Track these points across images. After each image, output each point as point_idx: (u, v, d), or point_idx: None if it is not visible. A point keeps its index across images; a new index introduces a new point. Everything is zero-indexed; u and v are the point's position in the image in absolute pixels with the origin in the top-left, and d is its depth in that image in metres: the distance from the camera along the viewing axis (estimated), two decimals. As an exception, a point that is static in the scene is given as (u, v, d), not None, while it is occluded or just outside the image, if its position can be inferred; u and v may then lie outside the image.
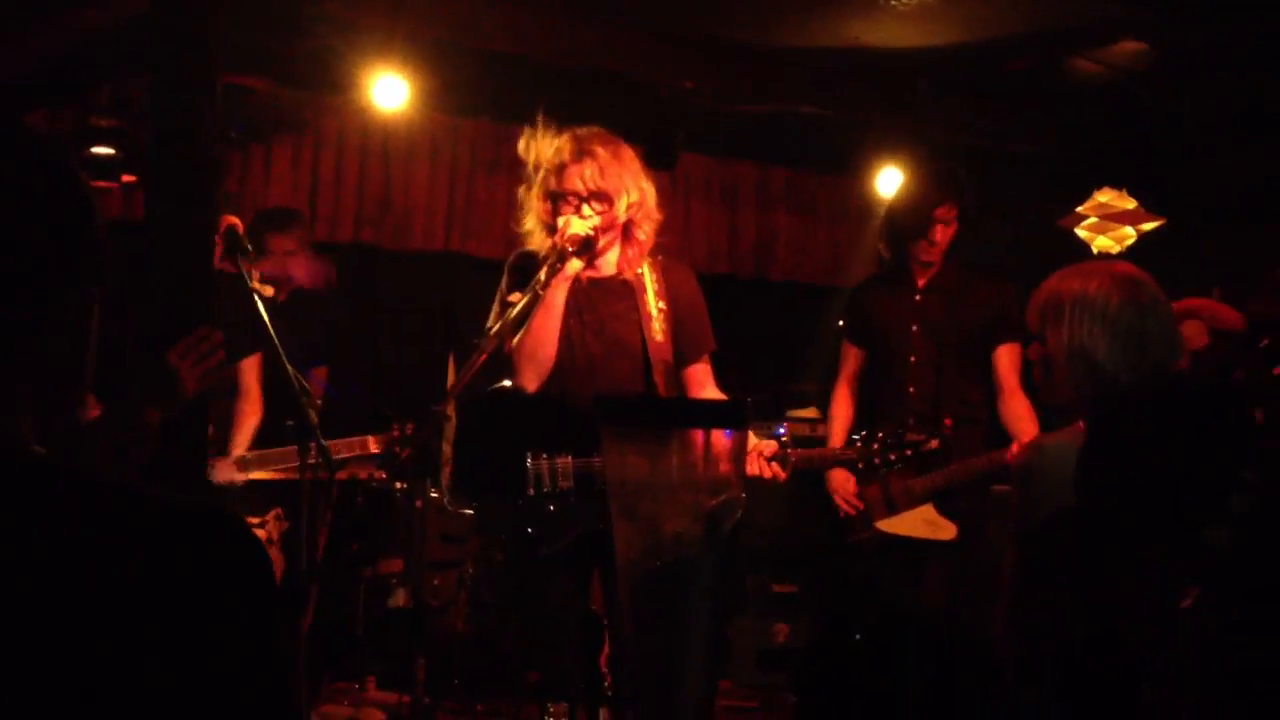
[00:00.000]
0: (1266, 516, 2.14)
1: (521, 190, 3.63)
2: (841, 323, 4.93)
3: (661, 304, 3.68)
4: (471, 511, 3.92)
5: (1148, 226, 5.61)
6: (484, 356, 3.36)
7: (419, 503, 4.63)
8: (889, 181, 6.34)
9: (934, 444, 3.87)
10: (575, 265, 3.51)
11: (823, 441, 4.82)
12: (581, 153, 3.50)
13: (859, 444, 3.92)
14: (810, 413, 6.03)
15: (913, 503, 4.49)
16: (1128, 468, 2.04)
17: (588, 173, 3.49)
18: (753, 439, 3.44)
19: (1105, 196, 5.54)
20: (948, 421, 4.35)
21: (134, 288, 4.01)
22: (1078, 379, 2.52)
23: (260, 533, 4.47)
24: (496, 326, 3.42)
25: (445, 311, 6.63)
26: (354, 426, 4.88)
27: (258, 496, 4.62)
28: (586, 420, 3.41)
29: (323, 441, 3.96)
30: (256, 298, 4.17)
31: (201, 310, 4.07)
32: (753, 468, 3.42)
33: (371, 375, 6.39)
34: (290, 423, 4.35)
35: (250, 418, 4.87)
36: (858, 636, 2.02)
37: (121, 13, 4.49)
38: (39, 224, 1.07)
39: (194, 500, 1.10)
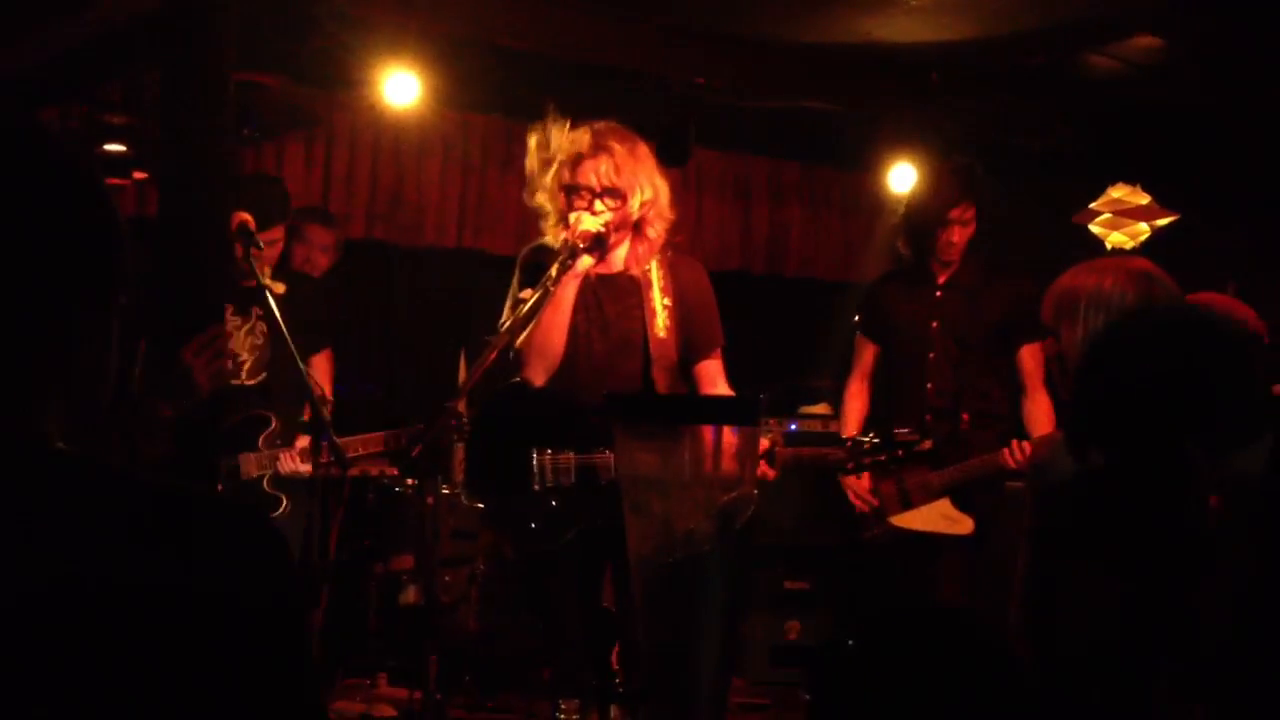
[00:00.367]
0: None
1: (532, 166, 3.61)
2: (857, 318, 4.90)
3: (667, 300, 3.67)
4: (482, 506, 3.93)
5: (1162, 222, 5.59)
6: (495, 353, 3.36)
7: (430, 499, 4.62)
8: (902, 177, 6.32)
9: (926, 444, 3.80)
10: (586, 262, 3.52)
11: (836, 436, 4.81)
12: (597, 148, 3.50)
13: (848, 444, 3.84)
14: (823, 409, 6.01)
15: (930, 497, 4.48)
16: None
17: (603, 168, 3.49)
18: None
19: (1119, 192, 5.52)
20: (965, 417, 4.35)
21: (146, 285, 4.02)
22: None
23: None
24: (508, 323, 3.43)
25: (457, 308, 6.63)
26: (366, 423, 4.88)
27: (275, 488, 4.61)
28: (590, 416, 3.41)
29: (334, 439, 3.96)
30: (268, 294, 4.19)
31: (214, 308, 4.08)
32: None
33: (383, 372, 6.39)
34: (303, 419, 4.37)
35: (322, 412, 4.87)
36: (870, 635, 2.01)
37: (133, 10, 4.49)
38: (67, 235, 1.09)
39: (215, 495, 1.12)
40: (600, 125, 3.58)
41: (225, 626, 1.04)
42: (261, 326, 4.46)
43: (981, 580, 4.37)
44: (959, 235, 4.57)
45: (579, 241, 3.46)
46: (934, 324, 4.60)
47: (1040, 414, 4.41)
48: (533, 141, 3.60)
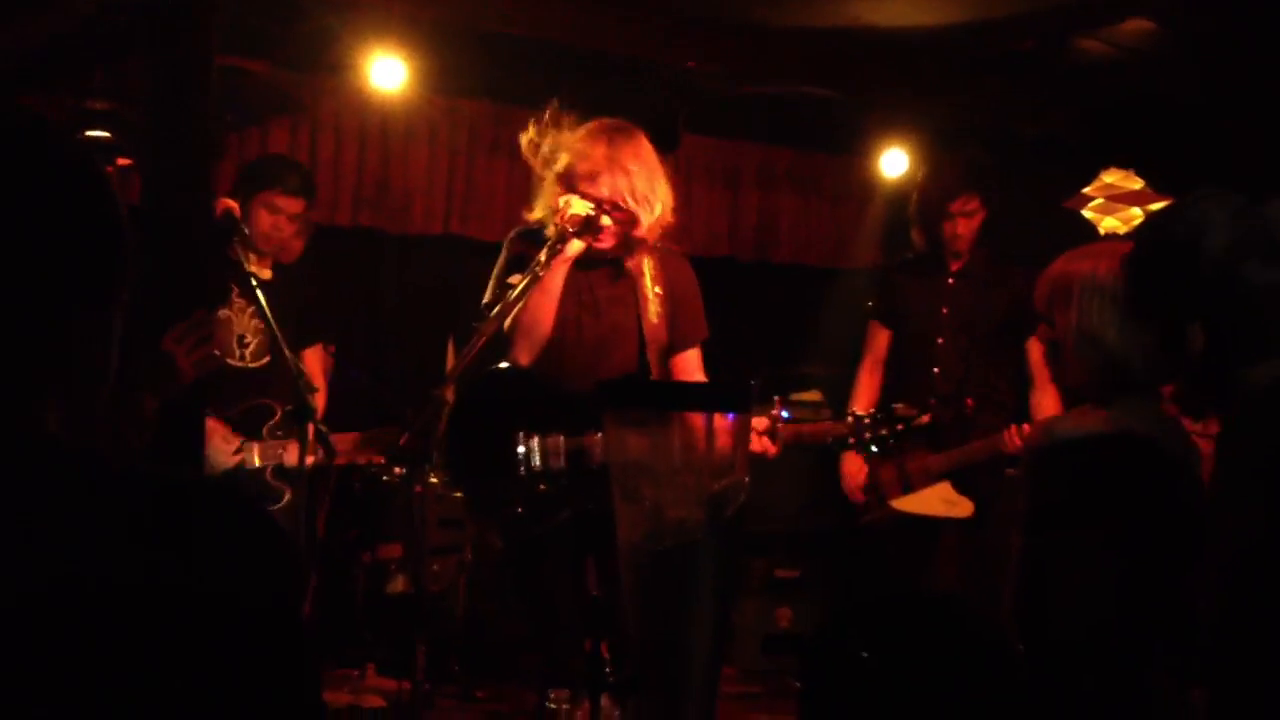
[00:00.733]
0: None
1: (541, 169, 3.61)
2: (870, 304, 4.94)
3: (658, 289, 3.70)
4: (461, 493, 3.91)
5: (1155, 207, 5.57)
6: (483, 340, 3.36)
7: (418, 488, 4.59)
8: (893, 162, 6.31)
9: (925, 419, 3.93)
10: (576, 246, 3.52)
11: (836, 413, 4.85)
12: (614, 163, 3.50)
13: (849, 419, 3.96)
14: (813, 396, 5.99)
15: (930, 481, 4.53)
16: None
17: (620, 185, 3.51)
18: None
19: (1112, 177, 5.50)
20: (969, 402, 4.39)
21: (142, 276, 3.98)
22: (1088, 361, 2.50)
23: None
24: (496, 309, 3.42)
25: (446, 295, 6.59)
26: (354, 411, 4.85)
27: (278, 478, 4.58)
28: (583, 401, 3.40)
29: (321, 427, 3.93)
30: (254, 281, 4.16)
31: (198, 295, 4.04)
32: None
33: (371, 359, 6.35)
34: (289, 408, 4.33)
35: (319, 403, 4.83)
36: (861, 622, 1.99)
37: (117, -6, 4.44)
38: (72, 234, 1.09)
39: (214, 486, 1.13)
40: (619, 136, 3.57)
41: (228, 621, 1.04)
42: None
43: (979, 564, 4.40)
44: (963, 227, 4.63)
45: (568, 226, 3.46)
46: (944, 310, 4.66)
47: (1047, 405, 4.43)
48: (533, 135, 3.60)
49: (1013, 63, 5.77)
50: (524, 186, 3.81)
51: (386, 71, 5.32)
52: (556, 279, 3.55)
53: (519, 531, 3.54)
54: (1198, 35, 5.28)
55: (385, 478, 5.27)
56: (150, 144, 4.24)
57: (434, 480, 4.89)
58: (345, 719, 4.72)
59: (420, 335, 6.44)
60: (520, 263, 3.57)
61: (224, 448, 4.35)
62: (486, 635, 5.32)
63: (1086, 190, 5.59)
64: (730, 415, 2.43)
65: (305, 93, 5.90)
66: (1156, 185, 5.56)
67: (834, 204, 7.25)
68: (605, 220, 3.53)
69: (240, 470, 4.33)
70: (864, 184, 6.90)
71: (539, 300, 3.51)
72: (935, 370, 4.61)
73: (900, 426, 3.87)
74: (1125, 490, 2.38)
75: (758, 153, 7.06)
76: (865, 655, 1.87)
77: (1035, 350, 4.50)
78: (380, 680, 5.18)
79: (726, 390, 2.55)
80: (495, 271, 3.69)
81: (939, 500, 4.48)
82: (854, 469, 4.67)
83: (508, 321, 3.52)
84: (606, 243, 3.59)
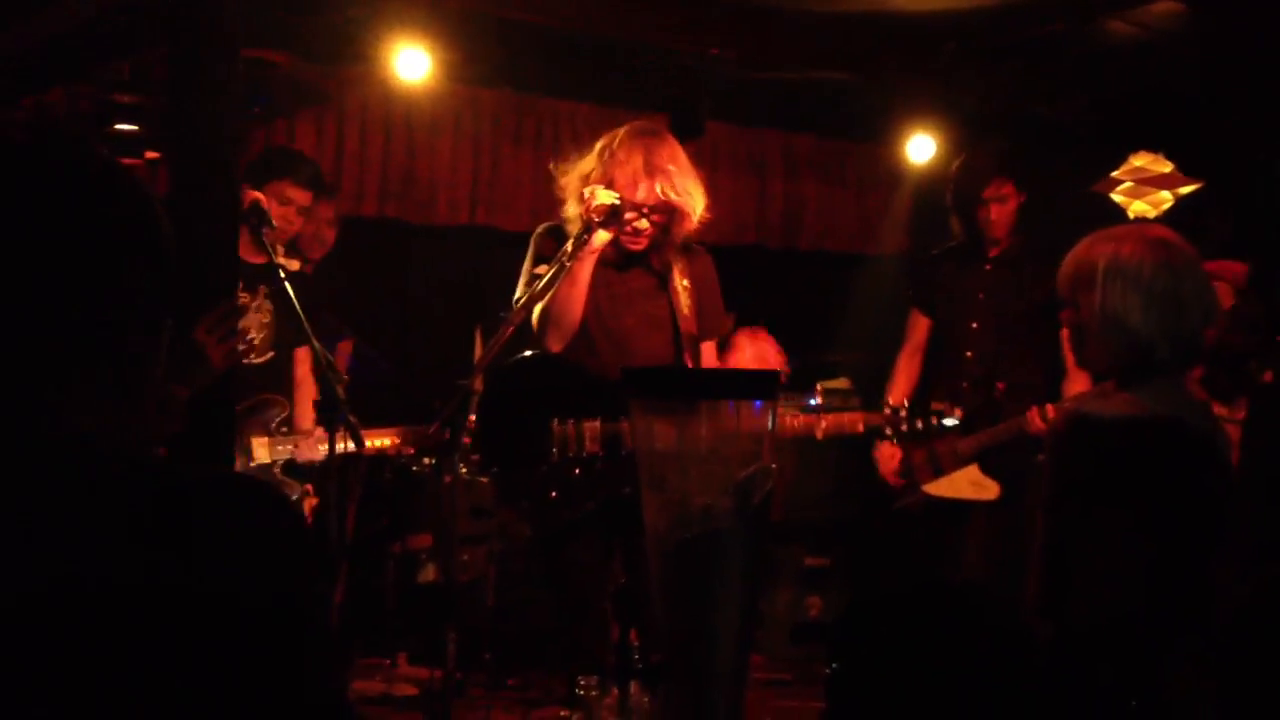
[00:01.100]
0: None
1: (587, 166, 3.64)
2: (910, 292, 4.99)
3: (686, 281, 3.75)
4: (492, 478, 3.92)
5: (1185, 190, 5.53)
6: (510, 330, 3.37)
7: (448, 478, 4.61)
8: (918, 148, 6.29)
9: (958, 413, 4.11)
10: (603, 237, 3.54)
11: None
12: (653, 168, 3.54)
13: (886, 411, 4.11)
14: (841, 383, 5.98)
15: (959, 464, 4.58)
16: None
17: (659, 188, 3.54)
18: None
19: (1141, 160, 5.47)
20: (1000, 386, 4.42)
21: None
22: (1112, 345, 2.48)
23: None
24: (524, 300, 3.44)
25: (472, 285, 6.60)
26: (381, 403, 4.86)
27: (287, 474, 4.60)
28: (615, 387, 3.42)
29: (350, 419, 3.94)
30: (282, 273, 4.17)
31: (227, 286, 4.05)
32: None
33: (398, 350, 6.37)
34: (317, 399, 4.34)
35: (310, 398, 4.86)
36: (886, 609, 1.99)
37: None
38: (127, 256, 1.16)
39: (240, 477, 1.18)
40: (649, 138, 3.60)
41: (240, 615, 1.06)
42: (268, 305, 4.43)
43: (1008, 548, 4.41)
44: (997, 212, 4.67)
45: (594, 215, 3.47)
46: (980, 295, 4.70)
47: (1076, 390, 4.42)
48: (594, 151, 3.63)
49: (1039, 46, 5.72)
50: (548, 176, 3.81)
51: (410, 62, 5.33)
52: (584, 269, 3.56)
53: (552, 517, 3.56)
54: (1225, 15, 5.22)
55: (415, 468, 5.29)
56: (175, 137, 4.25)
57: (463, 470, 4.91)
58: (378, 708, 4.75)
59: (447, 326, 6.46)
60: (547, 256, 3.59)
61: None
62: (516, 624, 5.34)
63: (1115, 174, 5.55)
64: (757, 403, 2.42)
65: (330, 85, 5.92)
66: (1186, 168, 5.52)
67: (859, 191, 7.23)
68: (643, 224, 3.56)
69: (247, 466, 4.34)
70: (890, 170, 6.88)
71: (567, 291, 3.53)
72: (968, 354, 4.65)
73: (935, 420, 4.06)
74: (1150, 473, 2.36)
75: (781, 140, 7.04)
76: (887, 642, 1.87)
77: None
78: (412, 669, 5.21)
79: (753, 377, 2.54)
80: (525, 268, 3.71)
81: (967, 483, 4.52)
82: (889, 454, 4.71)
83: (536, 311, 3.54)
84: (641, 244, 3.63)
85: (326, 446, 3.95)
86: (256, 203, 4.17)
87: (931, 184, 5.87)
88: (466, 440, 3.76)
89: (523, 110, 6.22)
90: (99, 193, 1.15)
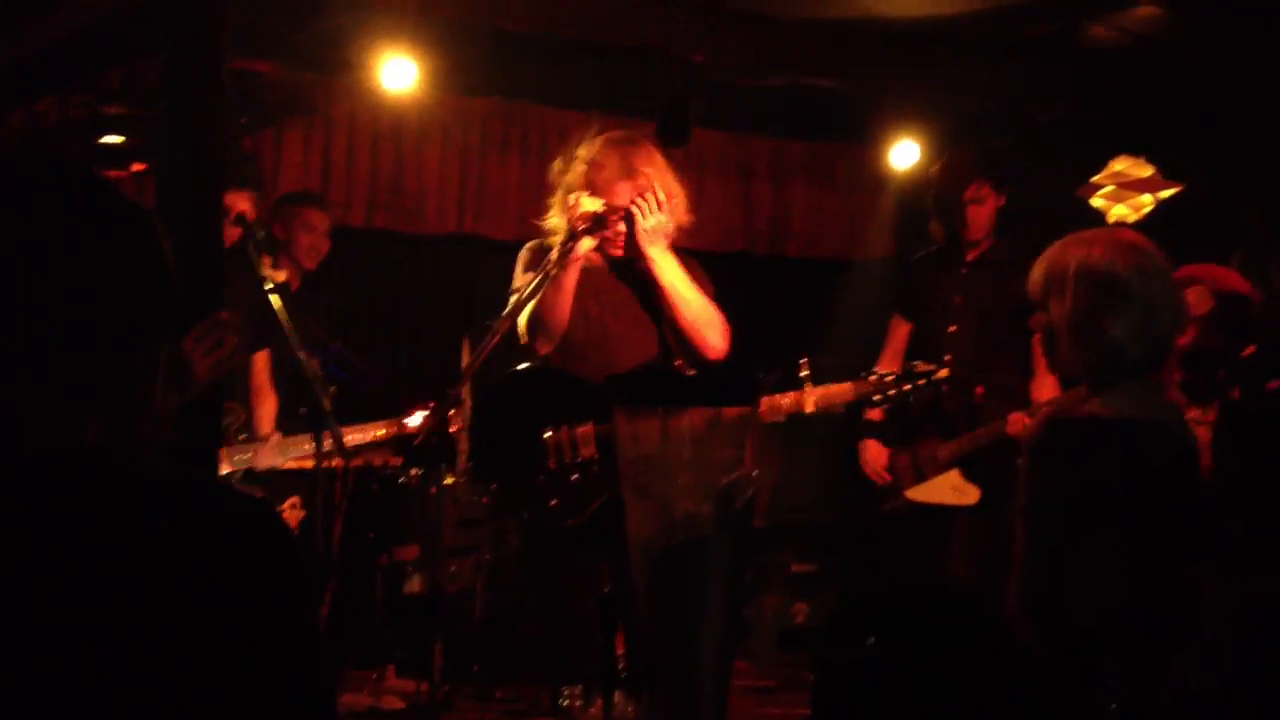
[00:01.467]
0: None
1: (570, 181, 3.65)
2: (894, 298, 5.03)
3: None
4: (491, 492, 3.91)
5: (1166, 194, 5.54)
6: (497, 338, 3.37)
7: (434, 489, 4.61)
8: (906, 152, 6.29)
9: (943, 373, 4.06)
10: (587, 244, 3.54)
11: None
12: (629, 169, 3.56)
13: (873, 378, 4.06)
14: (828, 389, 5.98)
15: (939, 469, 4.58)
16: None
17: (640, 187, 3.56)
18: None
19: (1122, 164, 5.47)
20: (979, 390, 4.42)
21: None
22: (1084, 348, 2.48)
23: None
24: (510, 307, 3.45)
25: (460, 294, 6.60)
26: (368, 411, 4.86)
27: (273, 485, 4.60)
28: (607, 394, 3.43)
29: (337, 429, 3.94)
30: (268, 284, 4.16)
31: (214, 296, 4.05)
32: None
33: (386, 359, 6.37)
34: (303, 411, 4.33)
35: (270, 407, 4.86)
36: (871, 615, 1.99)
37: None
38: (133, 286, 1.21)
39: (231, 489, 1.23)
40: (625, 144, 3.63)
41: (241, 619, 1.09)
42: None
43: (992, 553, 4.41)
44: (975, 214, 4.68)
45: (579, 223, 3.47)
46: (958, 299, 4.72)
47: (1045, 391, 4.43)
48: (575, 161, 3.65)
49: (1024, 50, 5.73)
50: (536, 184, 3.82)
51: (398, 71, 5.33)
52: (569, 276, 3.57)
53: (552, 525, 3.55)
54: (1206, 20, 5.23)
55: (402, 479, 5.28)
56: (163, 147, 4.24)
57: (451, 481, 4.90)
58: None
59: (435, 334, 6.45)
60: (533, 267, 3.60)
61: None
62: (505, 635, 5.33)
63: (1096, 178, 5.56)
64: (738, 408, 2.43)
65: (318, 94, 5.92)
66: (1171, 170, 5.53)
67: (847, 196, 7.24)
68: (620, 226, 3.57)
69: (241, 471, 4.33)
70: (876, 175, 6.88)
71: (553, 296, 3.54)
72: (947, 358, 4.63)
73: (921, 381, 4.00)
74: (1128, 476, 2.37)
75: (769, 146, 7.05)
76: (871, 643, 1.87)
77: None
78: (399, 681, 5.19)
79: (733, 382, 2.53)
80: (512, 285, 3.72)
81: (949, 488, 4.53)
82: (875, 453, 4.73)
83: (522, 318, 3.55)
84: (619, 249, 3.63)
85: (284, 452, 3.94)
86: (243, 214, 4.17)
87: (917, 189, 5.88)
88: (462, 447, 3.76)
89: (510, 118, 6.22)
90: (103, 215, 1.21)
